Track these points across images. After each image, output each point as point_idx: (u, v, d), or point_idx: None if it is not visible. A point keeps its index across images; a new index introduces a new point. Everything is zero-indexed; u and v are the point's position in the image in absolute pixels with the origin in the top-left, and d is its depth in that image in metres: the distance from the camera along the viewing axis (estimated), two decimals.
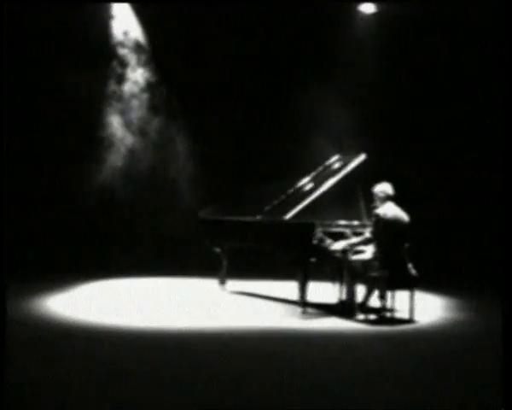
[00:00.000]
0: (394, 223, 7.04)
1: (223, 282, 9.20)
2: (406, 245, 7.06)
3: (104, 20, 11.29)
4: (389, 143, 11.65)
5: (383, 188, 7.19)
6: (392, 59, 11.58)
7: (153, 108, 11.71)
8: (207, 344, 6.12)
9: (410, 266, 7.08)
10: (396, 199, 7.21)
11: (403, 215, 7.11)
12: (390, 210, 7.08)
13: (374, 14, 11.55)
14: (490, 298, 8.38)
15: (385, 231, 7.01)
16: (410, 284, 7.09)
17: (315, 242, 7.27)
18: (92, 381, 4.79)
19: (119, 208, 11.43)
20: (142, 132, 11.74)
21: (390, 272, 6.95)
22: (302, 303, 7.42)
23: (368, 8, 11.53)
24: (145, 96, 11.68)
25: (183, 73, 11.44)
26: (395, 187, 7.04)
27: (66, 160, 11.28)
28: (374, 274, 7.01)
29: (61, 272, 10.03)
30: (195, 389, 4.68)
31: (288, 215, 7.51)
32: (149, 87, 11.67)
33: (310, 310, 7.49)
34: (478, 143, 11.29)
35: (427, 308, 7.98)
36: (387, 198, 7.15)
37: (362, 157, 7.97)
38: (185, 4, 11.04)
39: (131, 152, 11.67)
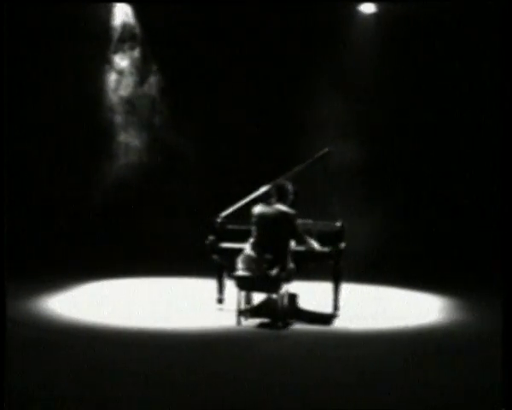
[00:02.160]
0: (259, 221, 6.78)
1: None
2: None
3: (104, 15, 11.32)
4: (388, 143, 11.66)
5: (273, 186, 7.01)
6: (392, 59, 11.57)
7: (154, 101, 11.70)
8: (207, 344, 6.12)
9: (274, 267, 6.66)
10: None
11: (276, 215, 6.77)
12: (262, 208, 6.84)
13: (374, 14, 11.54)
14: (490, 298, 8.38)
15: (253, 228, 6.85)
16: (264, 287, 6.80)
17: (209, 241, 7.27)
18: (92, 381, 4.79)
19: (120, 208, 11.42)
20: (144, 128, 11.73)
21: (246, 272, 6.71)
22: (218, 301, 7.52)
23: (368, 8, 11.51)
24: (146, 89, 11.69)
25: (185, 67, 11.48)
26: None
27: (65, 159, 11.28)
28: (229, 272, 6.86)
29: (61, 272, 10.02)
30: (195, 390, 4.68)
31: (223, 214, 7.52)
32: (151, 79, 11.66)
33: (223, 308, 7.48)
34: (478, 141, 11.28)
35: (426, 309, 7.99)
36: (277, 197, 6.89)
37: (325, 151, 7.75)
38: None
39: (133, 149, 11.66)
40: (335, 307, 7.41)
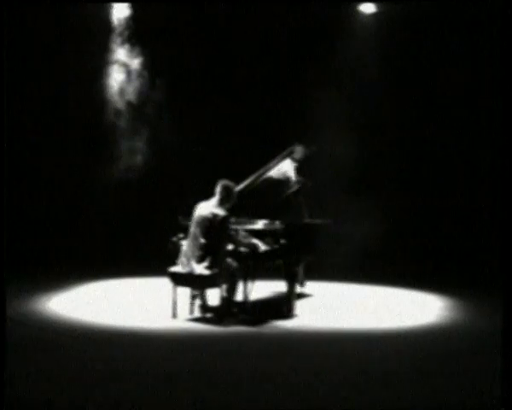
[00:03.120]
0: (194, 218, 6.98)
1: (302, 284, 8.76)
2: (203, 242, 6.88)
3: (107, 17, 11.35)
4: (387, 142, 11.67)
5: (221, 185, 7.08)
6: (391, 59, 11.57)
7: (152, 101, 11.70)
8: (207, 344, 6.12)
9: (201, 264, 6.81)
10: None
11: (208, 215, 6.90)
12: (200, 205, 7.03)
13: (374, 14, 11.55)
14: (490, 298, 8.38)
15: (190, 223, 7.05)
16: (191, 282, 6.94)
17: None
18: (92, 381, 4.79)
19: (120, 208, 11.42)
20: (146, 130, 11.73)
21: (179, 267, 6.97)
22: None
23: (368, 8, 11.52)
24: (144, 88, 11.69)
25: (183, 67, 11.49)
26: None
27: (65, 160, 11.30)
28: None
29: (61, 272, 10.02)
30: (195, 390, 4.68)
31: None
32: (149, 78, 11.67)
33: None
34: (478, 140, 11.28)
35: (426, 309, 7.99)
36: (220, 197, 7.00)
37: (291, 148, 7.75)
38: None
39: (131, 148, 11.67)
40: (288, 308, 7.28)
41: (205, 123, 11.60)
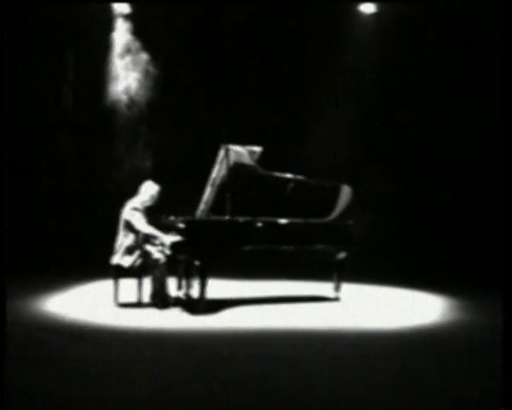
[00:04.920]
0: (121, 218, 7.55)
1: (337, 288, 8.63)
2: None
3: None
4: (388, 143, 11.68)
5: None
6: (391, 58, 11.59)
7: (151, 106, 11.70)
8: (208, 345, 6.12)
9: (117, 255, 7.50)
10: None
11: (125, 210, 7.50)
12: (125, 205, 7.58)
13: (374, 14, 11.56)
14: (490, 298, 8.38)
15: None
16: (118, 272, 7.55)
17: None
18: (91, 381, 4.79)
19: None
20: (145, 134, 11.75)
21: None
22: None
23: (368, 8, 11.54)
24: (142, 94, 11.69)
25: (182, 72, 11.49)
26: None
27: (65, 161, 11.31)
28: None
29: (61, 272, 10.03)
30: (195, 390, 4.68)
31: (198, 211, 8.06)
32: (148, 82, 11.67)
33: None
34: (479, 139, 11.29)
35: (426, 309, 7.99)
36: (138, 192, 7.63)
37: (225, 149, 7.65)
38: (184, 4, 11.10)
39: (129, 149, 11.68)
40: (199, 307, 7.28)
41: (202, 125, 11.62)
